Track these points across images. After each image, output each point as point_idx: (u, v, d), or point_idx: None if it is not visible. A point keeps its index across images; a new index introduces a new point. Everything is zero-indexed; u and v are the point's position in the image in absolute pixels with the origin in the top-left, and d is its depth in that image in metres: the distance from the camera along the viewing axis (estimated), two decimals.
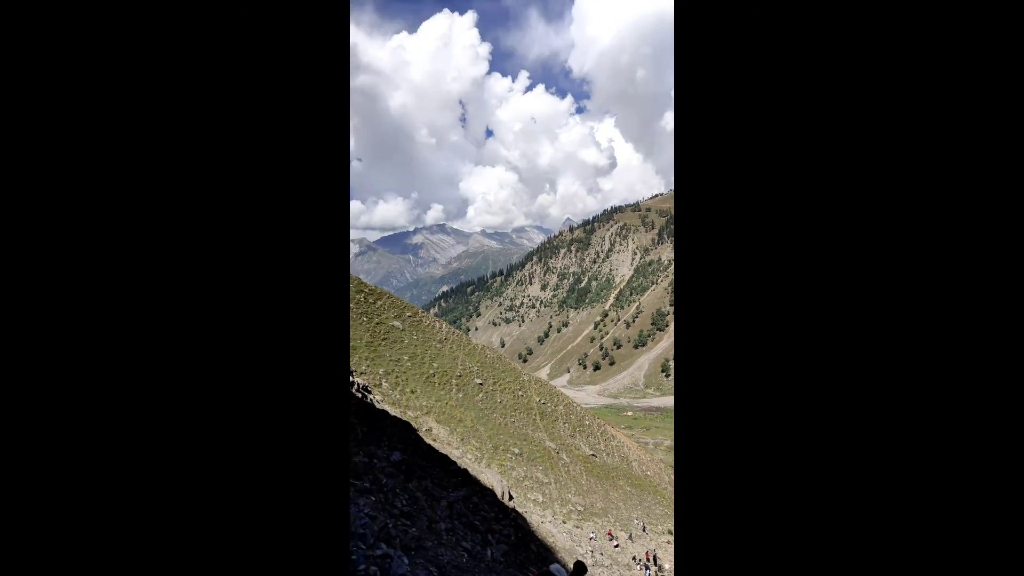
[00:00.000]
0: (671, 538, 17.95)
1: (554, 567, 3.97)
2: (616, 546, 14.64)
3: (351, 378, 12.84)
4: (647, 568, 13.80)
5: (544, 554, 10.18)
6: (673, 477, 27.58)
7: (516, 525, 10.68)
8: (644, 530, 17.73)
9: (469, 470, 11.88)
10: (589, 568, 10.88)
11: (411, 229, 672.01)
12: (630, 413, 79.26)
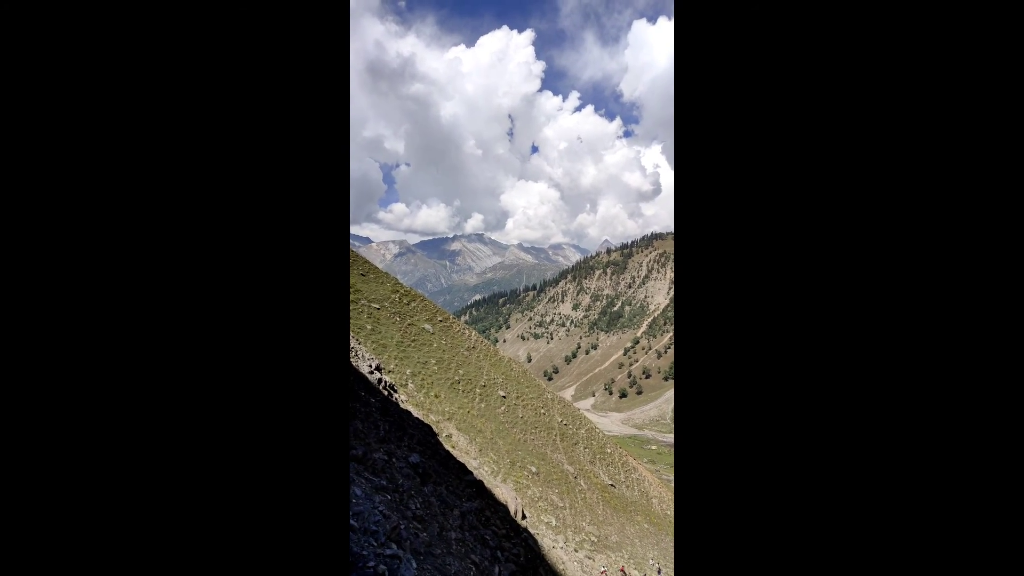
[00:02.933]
0: None
1: None
2: None
3: (379, 375, 13.00)
4: None
5: None
6: None
7: (527, 546, 10.34)
8: (660, 572, 16.78)
9: (484, 482, 11.67)
10: None
11: (450, 236, 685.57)
12: (654, 447, 76.45)
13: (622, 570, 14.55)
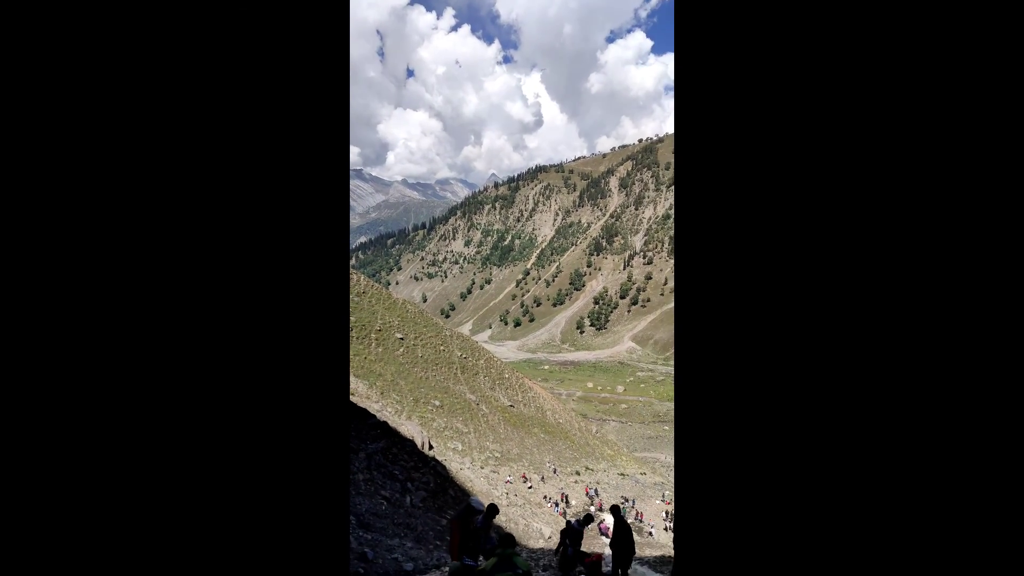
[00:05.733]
0: (578, 478, 19.70)
1: (473, 499, 4.18)
2: (529, 487, 15.72)
3: None
4: (557, 505, 15.07)
5: (462, 498, 10.57)
6: (582, 424, 29.96)
7: (435, 472, 10.90)
8: (555, 472, 19.21)
9: (389, 422, 11.76)
10: (503, 508, 11.58)
11: None
12: (547, 367, 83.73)
13: (523, 476, 16.32)
